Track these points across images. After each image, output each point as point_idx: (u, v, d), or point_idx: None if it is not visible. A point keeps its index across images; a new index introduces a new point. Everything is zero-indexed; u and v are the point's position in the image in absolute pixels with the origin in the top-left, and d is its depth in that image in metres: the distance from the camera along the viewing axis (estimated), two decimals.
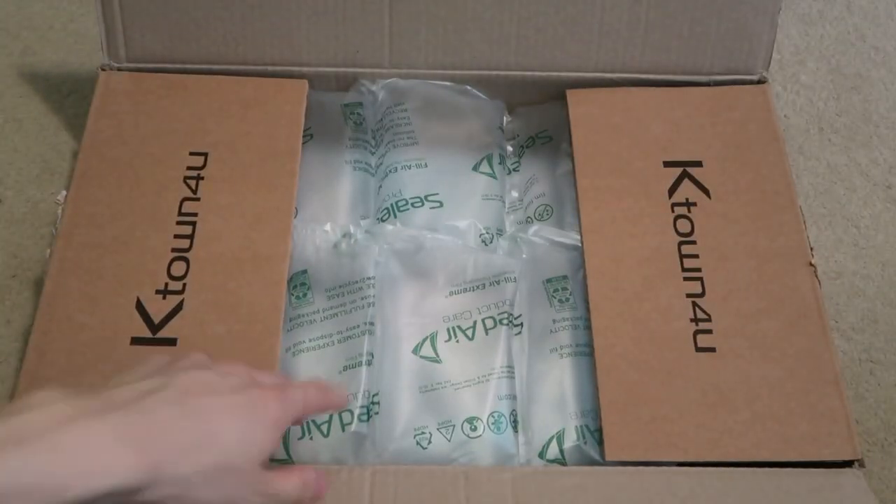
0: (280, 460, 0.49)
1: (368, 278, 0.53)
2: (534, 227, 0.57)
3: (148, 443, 0.30)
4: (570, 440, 0.50)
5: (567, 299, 0.54)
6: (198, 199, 0.54)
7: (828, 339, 0.50)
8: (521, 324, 0.54)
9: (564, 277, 0.55)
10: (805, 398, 0.48)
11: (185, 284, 0.51)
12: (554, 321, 0.54)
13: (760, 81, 0.60)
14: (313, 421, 0.49)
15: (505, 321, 0.53)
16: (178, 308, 0.50)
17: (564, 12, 0.58)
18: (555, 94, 0.61)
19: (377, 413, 0.50)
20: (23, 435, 0.28)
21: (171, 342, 0.49)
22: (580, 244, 0.54)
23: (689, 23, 0.58)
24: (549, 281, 0.55)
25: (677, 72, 0.60)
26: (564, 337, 0.53)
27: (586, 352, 0.52)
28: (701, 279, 0.52)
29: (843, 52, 0.75)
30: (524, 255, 0.56)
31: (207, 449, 0.32)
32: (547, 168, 0.61)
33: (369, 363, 0.51)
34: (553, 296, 0.54)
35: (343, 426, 0.49)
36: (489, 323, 0.53)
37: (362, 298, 0.53)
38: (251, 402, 0.34)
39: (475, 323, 0.53)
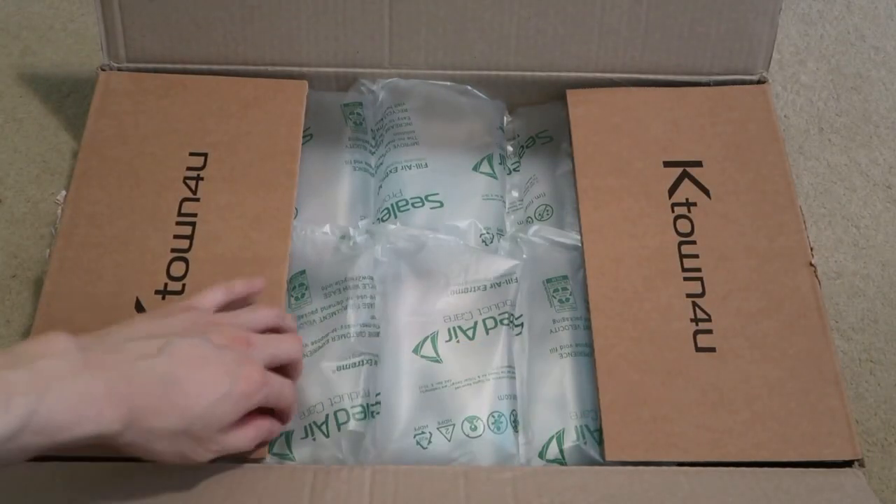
0: (281, 456, 0.49)
1: (365, 277, 0.53)
2: (534, 227, 0.57)
3: (129, 400, 0.36)
4: (570, 440, 0.50)
5: (567, 299, 0.54)
6: (197, 200, 0.54)
7: (828, 338, 0.50)
8: (522, 324, 0.54)
9: (564, 277, 0.55)
10: (805, 398, 0.48)
11: (184, 285, 0.51)
12: (554, 321, 0.54)
13: (760, 81, 0.60)
14: (314, 422, 0.49)
15: (505, 321, 0.53)
16: None
17: (564, 12, 0.58)
18: (555, 95, 0.61)
19: (378, 413, 0.50)
20: (46, 381, 0.34)
21: None
22: (580, 244, 0.54)
23: (689, 23, 0.58)
24: (549, 281, 0.55)
25: (677, 72, 0.60)
26: (564, 337, 0.53)
27: (586, 352, 0.52)
28: (701, 279, 0.52)
29: (843, 52, 0.75)
30: (524, 256, 0.56)
31: (176, 415, 0.37)
32: (547, 168, 0.61)
33: (366, 363, 0.51)
34: (553, 296, 0.54)
35: (339, 425, 0.49)
36: (490, 323, 0.53)
37: (359, 297, 0.53)
38: (231, 379, 0.39)
39: (476, 323, 0.53)
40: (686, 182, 0.56)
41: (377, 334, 0.52)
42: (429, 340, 0.53)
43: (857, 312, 0.62)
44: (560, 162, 0.60)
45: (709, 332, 0.50)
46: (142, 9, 0.58)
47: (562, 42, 0.59)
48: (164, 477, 0.43)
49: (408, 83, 0.61)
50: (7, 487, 0.42)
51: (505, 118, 0.64)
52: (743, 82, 0.60)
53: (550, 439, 0.50)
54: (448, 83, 0.62)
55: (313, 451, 0.49)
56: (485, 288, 0.54)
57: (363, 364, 0.51)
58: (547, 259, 0.56)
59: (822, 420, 0.47)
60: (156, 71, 0.60)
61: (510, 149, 0.63)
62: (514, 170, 0.62)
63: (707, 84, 0.60)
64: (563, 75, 0.60)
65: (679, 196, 0.55)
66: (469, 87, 0.62)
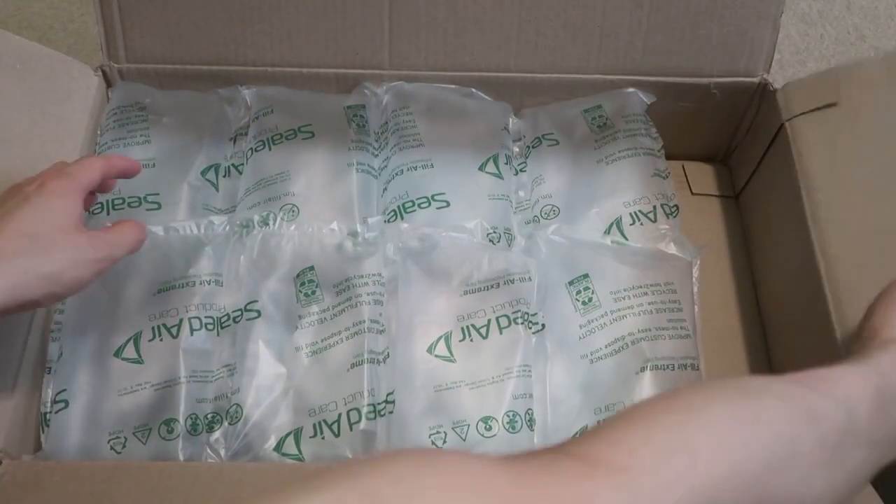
0: (292, 456, 0.49)
1: (375, 275, 0.53)
2: (553, 226, 0.56)
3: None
4: None
5: (590, 300, 0.54)
6: None
7: None
8: (538, 322, 0.54)
9: (586, 276, 0.54)
10: None
11: None
12: (580, 326, 0.54)
13: (761, 83, 0.60)
14: (324, 420, 0.49)
15: (520, 320, 0.53)
16: None
17: (565, 15, 0.58)
18: (555, 96, 0.61)
19: (391, 413, 0.50)
20: None
21: None
22: (598, 241, 0.54)
23: (690, 26, 0.58)
24: (570, 283, 0.55)
25: (678, 74, 0.60)
26: (592, 341, 0.53)
27: (610, 353, 0.52)
28: None
29: (843, 52, 0.75)
30: (543, 255, 0.56)
31: (39, 257, 0.41)
32: (554, 169, 0.61)
33: (376, 361, 0.51)
34: (577, 298, 0.54)
35: (351, 425, 0.49)
36: (503, 322, 0.53)
37: (368, 294, 0.53)
38: (42, 192, 0.43)
39: (489, 322, 0.53)
40: None
41: (388, 332, 0.52)
42: (442, 340, 0.52)
43: None
44: (564, 162, 0.60)
45: None
46: (142, 9, 0.58)
47: (562, 44, 0.59)
48: (165, 476, 0.43)
49: (412, 87, 0.61)
50: (7, 487, 0.42)
51: (511, 119, 0.64)
52: (743, 84, 0.60)
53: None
54: (452, 86, 0.62)
55: (319, 450, 0.49)
56: (497, 286, 0.54)
57: (376, 362, 0.51)
58: (567, 258, 0.55)
59: None
60: (156, 71, 0.59)
61: (516, 149, 0.63)
62: (521, 170, 0.62)
63: (707, 86, 0.60)
64: (563, 77, 0.60)
65: None
66: (474, 90, 0.62)
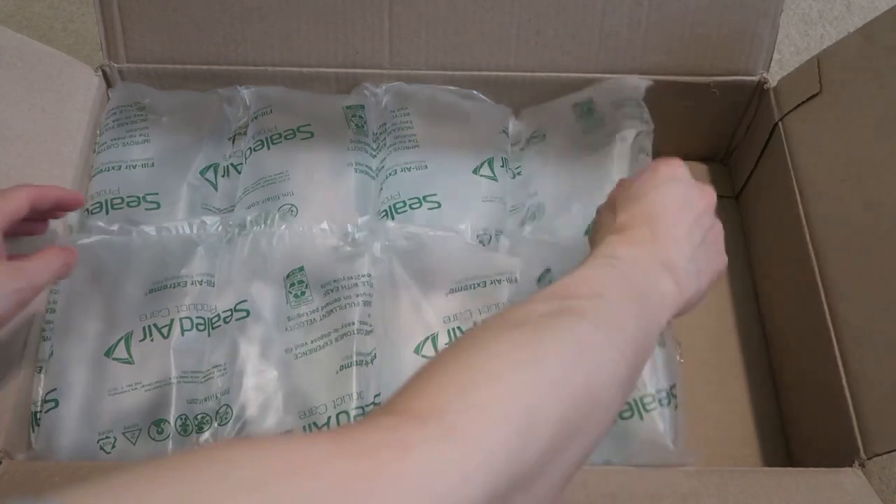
0: None
1: (364, 276, 0.53)
2: (528, 228, 0.56)
3: None
4: None
5: None
6: None
7: None
8: None
9: (549, 271, 0.54)
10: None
11: None
12: None
13: (760, 82, 0.60)
14: (314, 423, 0.49)
15: None
16: None
17: (565, 14, 0.58)
18: (555, 96, 0.61)
19: None
20: None
21: None
22: (572, 238, 0.53)
23: (689, 25, 0.58)
24: (539, 280, 0.55)
25: (678, 73, 0.60)
26: None
27: None
28: None
29: None
30: (523, 254, 0.56)
31: None
32: (541, 166, 0.61)
33: (364, 363, 0.51)
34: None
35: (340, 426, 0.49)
36: None
37: (357, 296, 0.53)
38: None
39: (475, 323, 0.53)
40: None
41: (375, 333, 0.52)
42: (430, 341, 0.52)
43: None
44: (549, 160, 0.60)
45: None
46: (141, 9, 0.58)
47: (562, 44, 0.59)
48: None
49: (411, 87, 0.61)
50: (7, 487, 0.42)
51: (510, 122, 0.64)
52: (743, 83, 0.60)
53: None
54: (452, 87, 0.61)
55: None
56: (483, 286, 0.54)
57: (364, 364, 0.51)
58: (539, 257, 0.55)
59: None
60: (156, 71, 0.59)
61: (516, 151, 0.63)
62: (518, 173, 0.62)
63: (707, 85, 0.60)
64: (563, 76, 0.60)
65: None
66: (474, 92, 0.62)
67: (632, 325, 0.34)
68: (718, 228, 0.44)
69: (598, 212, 0.46)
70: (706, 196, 0.43)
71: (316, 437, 0.25)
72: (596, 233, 0.45)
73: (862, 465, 0.46)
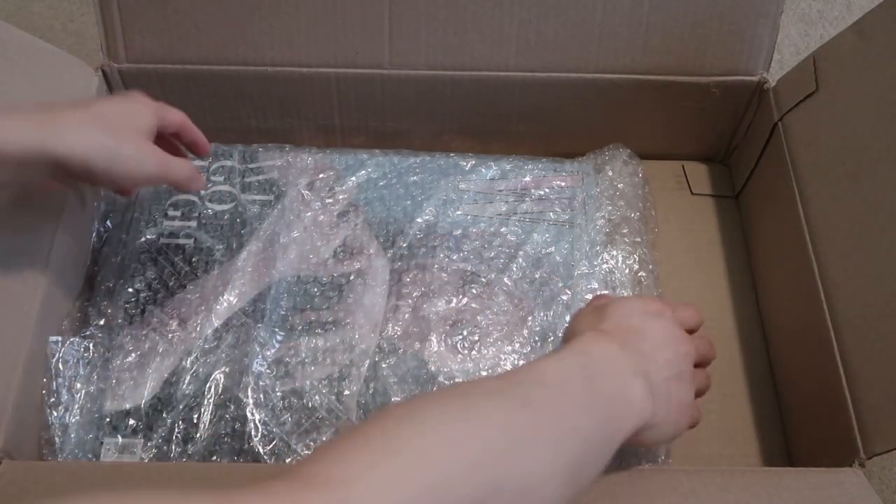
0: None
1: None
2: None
3: (47, 124, 0.42)
4: None
5: None
6: None
7: None
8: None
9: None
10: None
11: None
12: None
13: (760, 82, 0.60)
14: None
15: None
16: None
17: (565, 14, 0.58)
18: (555, 96, 0.61)
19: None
20: None
21: None
22: None
23: (689, 25, 0.58)
24: None
25: (678, 73, 0.60)
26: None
27: None
28: None
29: None
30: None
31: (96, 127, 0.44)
32: None
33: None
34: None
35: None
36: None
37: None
38: (127, 98, 0.47)
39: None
40: None
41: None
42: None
43: None
44: None
45: None
46: (141, 9, 0.58)
47: (562, 44, 0.59)
48: (164, 476, 0.43)
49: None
50: (7, 487, 0.42)
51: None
52: (743, 84, 0.60)
53: None
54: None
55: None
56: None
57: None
58: None
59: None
60: (156, 71, 0.59)
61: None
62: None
63: (707, 85, 0.60)
64: (563, 76, 0.60)
65: None
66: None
67: (585, 425, 0.33)
68: (703, 381, 0.44)
69: (576, 316, 0.45)
70: (691, 342, 0.43)
71: (199, 498, 0.24)
72: (572, 330, 0.44)
73: (861, 465, 0.46)
